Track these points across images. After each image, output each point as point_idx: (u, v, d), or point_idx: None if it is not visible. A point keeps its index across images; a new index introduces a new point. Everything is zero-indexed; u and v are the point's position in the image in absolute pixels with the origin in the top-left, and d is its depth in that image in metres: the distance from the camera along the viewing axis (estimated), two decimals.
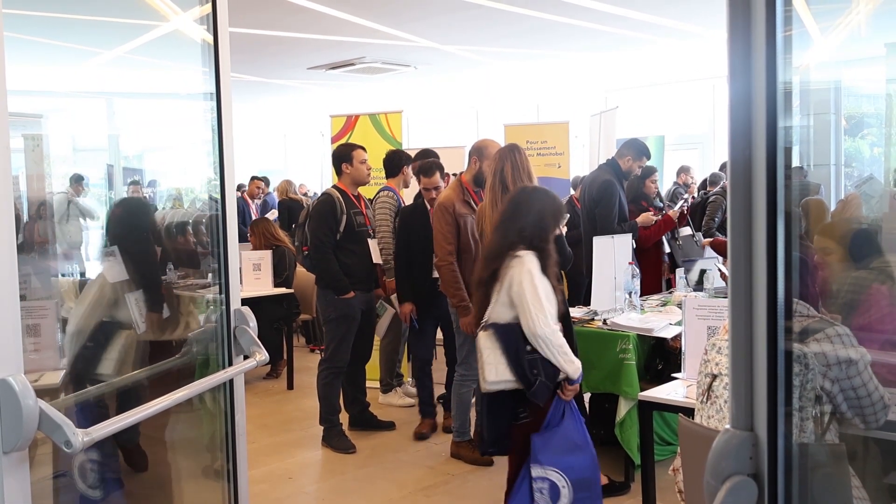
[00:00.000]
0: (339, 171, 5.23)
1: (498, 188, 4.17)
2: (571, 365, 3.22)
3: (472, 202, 4.66)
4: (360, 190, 5.41)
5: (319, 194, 5.27)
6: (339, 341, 5.09)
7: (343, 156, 5.21)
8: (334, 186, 5.23)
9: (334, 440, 5.09)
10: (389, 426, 5.39)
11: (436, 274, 4.92)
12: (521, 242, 3.31)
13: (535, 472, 3.18)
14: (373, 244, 5.21)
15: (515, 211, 3.41)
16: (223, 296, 2.07)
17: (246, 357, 2.04)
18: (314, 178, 16.29)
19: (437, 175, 5.05)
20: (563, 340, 3.23)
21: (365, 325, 5.23)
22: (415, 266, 5.08)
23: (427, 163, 5.16)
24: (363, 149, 5.29)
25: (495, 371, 3.22)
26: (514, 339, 3.21)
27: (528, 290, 3.20)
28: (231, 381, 2.09)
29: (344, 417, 5.29)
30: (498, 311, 3.30)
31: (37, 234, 3.29)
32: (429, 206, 5.03)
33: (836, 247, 2.17)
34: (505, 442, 3.37)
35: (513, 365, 3.20)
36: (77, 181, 3.52)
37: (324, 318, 5.22)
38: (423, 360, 5.35)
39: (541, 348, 3.18)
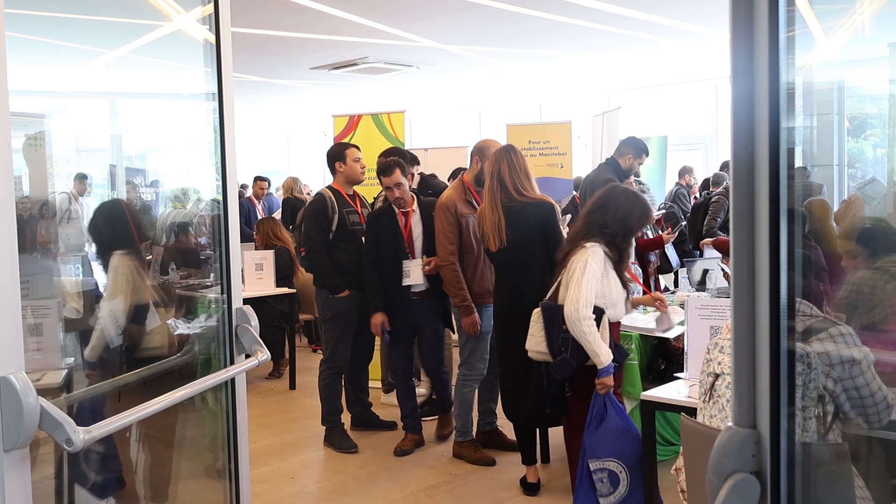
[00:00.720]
0: (332, 171, 5.19)
1: (497, 189, 4.16)
2: (596, 357, 3.43)
3: (475, 202, 4.65)
4: (361, 190, 5.39)
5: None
6: (337, 341, 5.08)
7: (336, 155, 5.17)
8: (328, 186, 5.21)
9: (336, 440, 5.08)
10: (391, 426, 5.37)
11: (406, 280, 4.77)
12: (600, 237, 3.53)
13: (594, 465, 3.47)
14: None
15: (603, 206, 3.59)
16: (225, 295, 2.07)
17: (248, 356, 2.04)
18: (317, 178, 16.30)
19: (398, 172, 4.77)
20: (592, 329, 3.42)
21: (365, 324, 5.18)
22: (385, 273, 4.83)
23: (385, 162, 4.90)
24: (357, 147, 5.27)
25: (534, 342, 3.63)
26: (556, 317, 3.50)
27: (577, 275, 3.46)
28: (233, 380, 2.09)
29: (346, 417, 5.28)
30: (560, 293, 3.58)
31: (39, 233, 3.29)
32: (396, 209, 4.85)
33: (861, 248, 2.17)
34: (559, 408, 3.71)
35: (547, 339, 3.54)
36: (80, 179, 3.53)
37: (321, 318, 5.23)
38: (403, 373, 5.04)
39: (569, 328, 3.44)
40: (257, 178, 11.16)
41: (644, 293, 5.04)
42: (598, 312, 3.48)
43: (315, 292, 5.27)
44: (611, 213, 3.54)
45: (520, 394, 4.17)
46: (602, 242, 3.52)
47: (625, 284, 3.64)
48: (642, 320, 4.45)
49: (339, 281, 4.98)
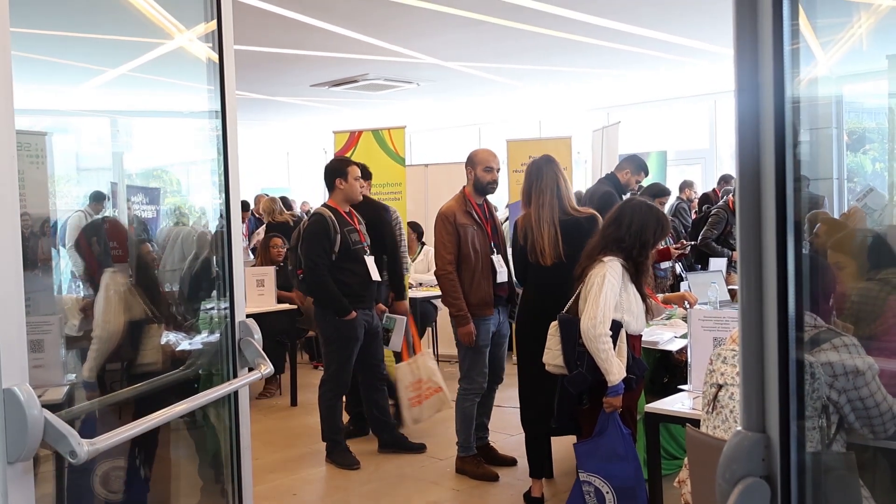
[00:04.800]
0: (331, 187, 5.03)
1: (555, 204, 4.15)
2: (607, 374, 3.40)
3: (475, 213, 4.64)
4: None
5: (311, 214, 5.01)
6: (342, 363, 4.98)
7: (337, 171, 5.01)
8: (324, 205, 5.05)
9: (338, 456, 5.05)
10: (420, 448, 5.23)
11: None
12: (617, 251, 3.53)
13: (581, 476, 3.49)
14: (370, 261, 5.05)
15: (617, 220, 3.61)
16: (228, 308, 2.07)
17: (251, 369, 2.04)
18: (318, 195, 16.31)
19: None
20: (607, 347, 3.40)
21: (372, 344, 5.11)
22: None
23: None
24: (357, 165, 5.13)
25: (551, 355, 3.63)
26: (573, 331, 3.49)
27: (594, 290, 3.46)
28: (236, 394, 2.08)
29: (370, 443, 5.24)
30: (579, 306, 3.57)
31: (40, 251, 3.29)
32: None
33: (848, 260, 2.17)
34: (570, 423, 3.69)
35: (564, 352, 3.55)
36: (96, 200, 3.50)
37: (324, 339, 5.08)
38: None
39: (585, 343, 3.43)
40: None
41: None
42: (617, 326, 3.46)
43: (316, 312, 5.11)
44: (625, 228, 3.54)
45: (545, 404, 4.11)
46: (619, 256, 3.52)
47: (644, 298, 3.62)
48: (644, 333, 4.44)
49: (346, 303, 4.84)
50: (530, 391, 4.31)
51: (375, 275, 5.08)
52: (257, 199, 11.40)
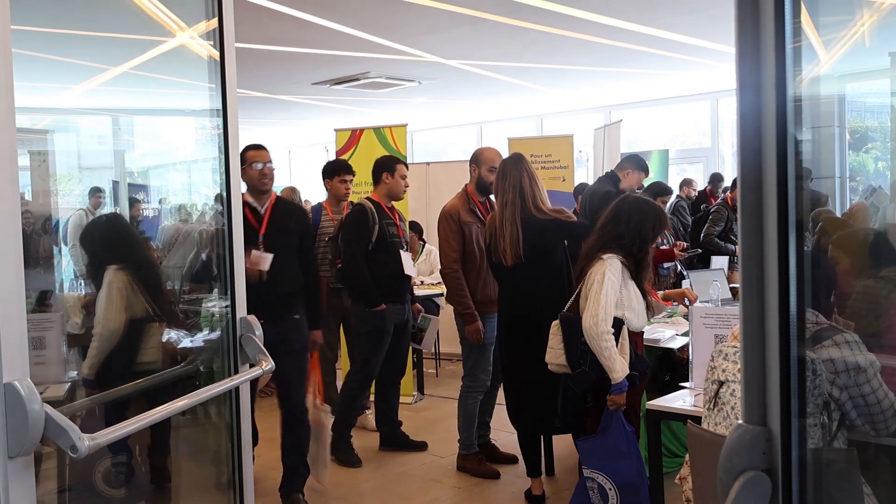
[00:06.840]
0: (377, 181, 5.13)
1: (517, 203, 4.07)
2: (611, 372, 3.38)
3: (478, 211, 4.65)
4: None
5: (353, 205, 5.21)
6: (370, 355, 5.00)
7: (386, 165, 5.13)
8: (367, 197, 5.16)
9: (341, 453, 5.04)
10: (421, 446, 5.25)
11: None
12: (617, 249, 3.53)
13: (585, 472, 3.49)
14: (405, 256, 5.09)
15: (616, 218, 3.59)
16: (229, 304, 2.07)
17: (252, 366, 2.04)
18: (320, 193, 16.30)
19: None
20: (609, 345, 3.39)
21: (399, 339, 5.13)
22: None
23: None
24: (406, 165, 5.24)
25: (554, 354, 3.60)
26: (576, 329, 3.47)
27: (595, 288, 3.45)
28: (237, 391, 2.08)
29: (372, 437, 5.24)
30: (580, 304, 3.55)
31: (42, 248, 3.29)
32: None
33: (850, 259, 2.17)
34: (574, 422, 3.69)
35: (566, 351, 3.52)
36: (95, 193, 3.52)
37: (356, 332, 5.12)
38: None
39: (587, 341, 3.41)
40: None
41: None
42: (619, 324, 3.45)
43: (352, 305, 5.12)
44: (623, 224, 3.53)
45: (535, 404, 4.12)
46: (619, 254, 3.51)
47: (644, 294, 3.61)
48: (646, 331, 4.44)
49: (376, 294, 4.88)
50: (513, 390, 4.30)
51: (409, 269, 5.12)
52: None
